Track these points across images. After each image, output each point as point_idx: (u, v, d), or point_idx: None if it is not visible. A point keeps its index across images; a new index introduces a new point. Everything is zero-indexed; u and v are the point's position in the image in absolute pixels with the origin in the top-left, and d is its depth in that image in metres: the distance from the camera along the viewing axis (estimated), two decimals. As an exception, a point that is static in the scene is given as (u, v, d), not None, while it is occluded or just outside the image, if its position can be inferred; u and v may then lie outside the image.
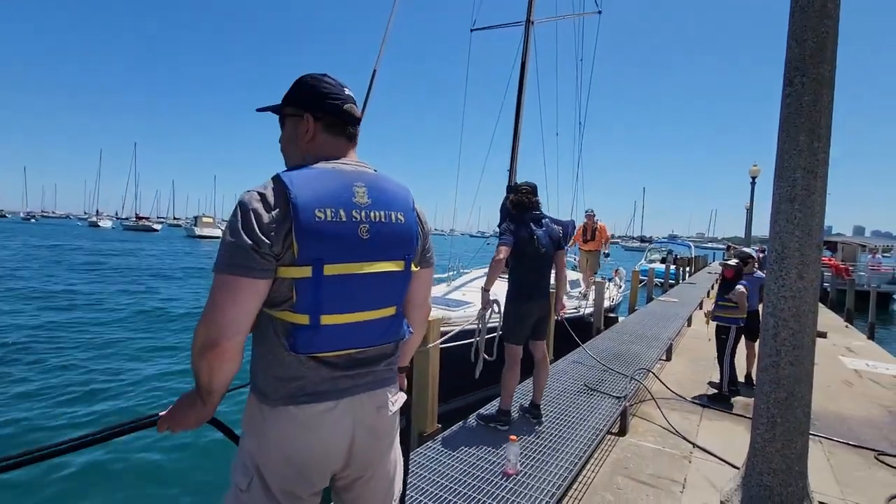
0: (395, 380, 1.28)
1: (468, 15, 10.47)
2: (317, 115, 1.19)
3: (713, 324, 4.89)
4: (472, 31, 10.32)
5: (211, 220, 62.35)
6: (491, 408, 3.52)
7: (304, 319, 1.07)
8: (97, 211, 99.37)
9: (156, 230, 67.30)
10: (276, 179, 1.07)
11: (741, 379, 5.30)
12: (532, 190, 3.45)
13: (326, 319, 1.08)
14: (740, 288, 4.60)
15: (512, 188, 3.49)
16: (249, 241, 1.00)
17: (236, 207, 1.04)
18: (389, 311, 1.20)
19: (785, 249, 1.79)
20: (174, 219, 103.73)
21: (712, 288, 14.60)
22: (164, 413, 1.13)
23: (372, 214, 1.13)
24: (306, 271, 1.05)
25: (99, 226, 75.31)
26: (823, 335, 8.25)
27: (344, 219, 1.08)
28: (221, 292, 1.00)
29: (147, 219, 75.25)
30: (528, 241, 3.26)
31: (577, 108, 10.49)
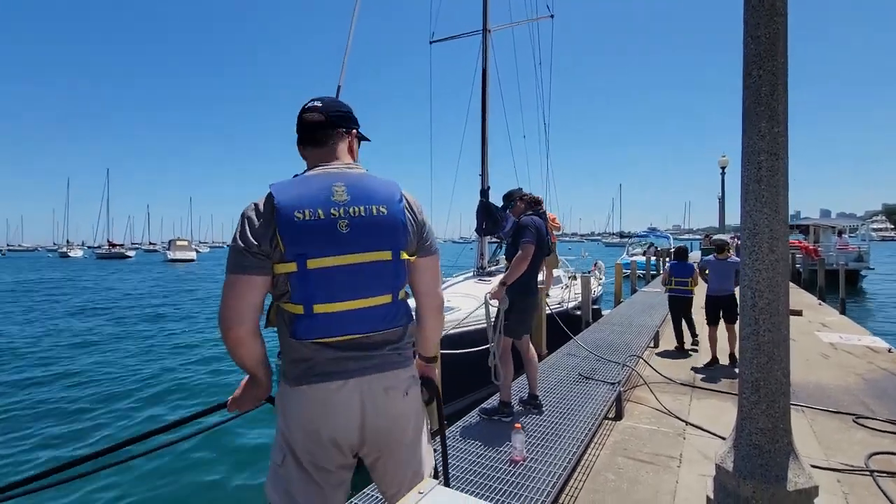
0: (405, 364, 1.32)
1: (427, 25, 10.63)
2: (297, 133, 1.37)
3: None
4: (431, 42, 10.47)
5: (186, 242, 60.83)
6: (493, 401, 3.63)
7: (299, 309, 1.19)
8: (67, 241, 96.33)
9: (129, 257, 65.57)
10: (268, 190, 1.22)
11: (725, 361, 5.53)
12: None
13: (319, 308, 1.18)
14: (704, 265, 5.86)
15: (505, 197, 3.67)
16: (242, 245, 1.18)
17: (241, 216, 1.22)
18: (384, 298, 1.25)
19: (756, 226, 1.96)
20: (150, 244, 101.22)
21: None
22: (231, 397, 1.33)
23: (351, 210, 1.22)
24: (293, 266, 1.17)
25: (69, 256, 72.96)
26: (799, 313, 8.62)
27: (322, 216, 1.18)
28: (227, 289, 1.18)
29: (120, 246, 73.17)
30: (544, 238, 3.45)
31: (539, 110, 10.78)
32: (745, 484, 1.90)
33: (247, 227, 1.18)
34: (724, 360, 5.53)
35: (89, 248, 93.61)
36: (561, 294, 8.28)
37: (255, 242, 1.17)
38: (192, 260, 55.06)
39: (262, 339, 1.25)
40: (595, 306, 10.02)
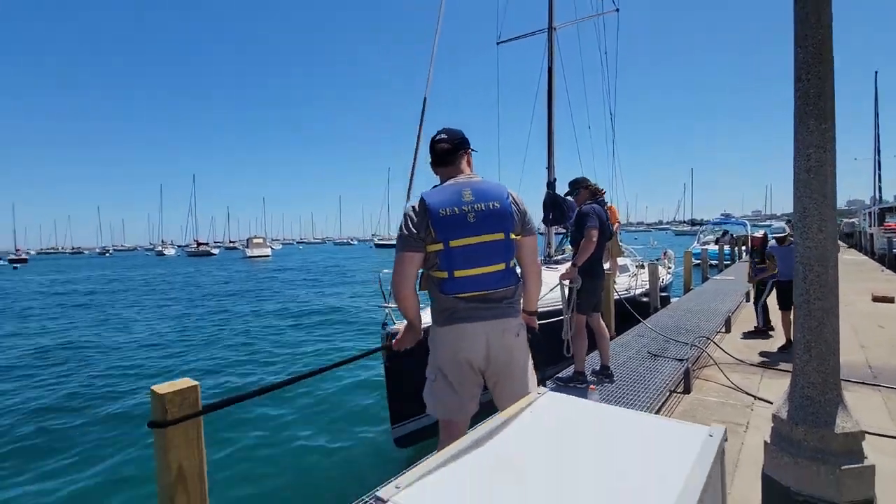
0: (515, 314, 1.89)
1: (492, 25, 10.89)
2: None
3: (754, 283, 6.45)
4: (498, 43, 10.79)
5: (261, 240, 65.69)
6: (567, 372, 4.07)
7: (444, 275, 1.79)
8: (162, 241, 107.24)
9: (213, 254, 71.67)
10: (421, 196, 1.81)
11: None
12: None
13: (458, 273, 1.78)
14: (771, 252, 6.12)
15: (572, 183, 4.07)
16: (406, 233, 1.78)
17: (403, 214, 1.80)
18: (500, 266, 1.82)
19: (805, 210, 2.27)
20: (230, 242, 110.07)
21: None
22: (396, 338, 1.99)
23: (475, 206, 1.80)
24: (440, 245, 1.77)
25: (164, 254, 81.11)
26: (890, 300, 8.15)
27: (457, 212, 1.78)
28: (397, 263, 1.78)
29: (206, 244, 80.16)
30: (605, 224, 3.86)
31: (605, 99, 10.78)
32: (797, 429, 2.24)
33: (409, 221, 1.80)
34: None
35: (179, 246, 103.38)
36: (628, 281, 8.43)
37: (415, 231, 1.77)
38: (267, 256, 59.35)
39: (418, 297, 1.86)
40: (664, 293, 10.00)
